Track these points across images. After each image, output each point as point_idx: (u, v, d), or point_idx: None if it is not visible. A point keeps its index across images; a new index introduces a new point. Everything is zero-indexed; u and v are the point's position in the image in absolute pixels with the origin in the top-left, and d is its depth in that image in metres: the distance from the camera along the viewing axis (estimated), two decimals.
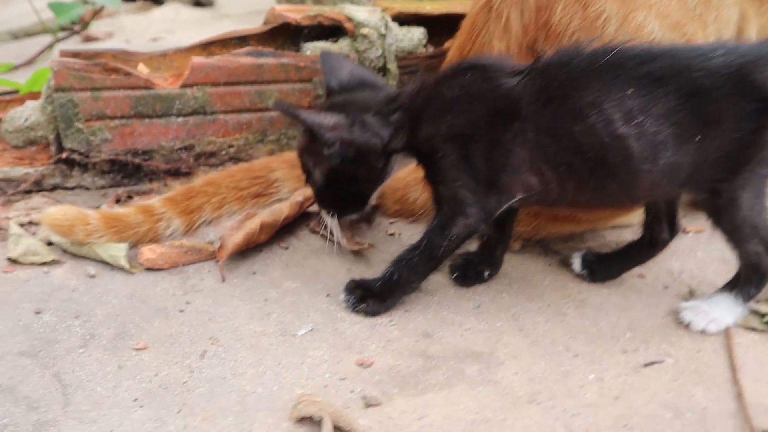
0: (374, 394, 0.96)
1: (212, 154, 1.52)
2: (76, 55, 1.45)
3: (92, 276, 1.20)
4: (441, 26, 1.66)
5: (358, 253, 1.29)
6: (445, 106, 1.06)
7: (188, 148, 1.50)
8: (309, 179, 1.18)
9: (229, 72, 1.44)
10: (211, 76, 1.43)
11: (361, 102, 1.12)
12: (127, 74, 1.38)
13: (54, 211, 1.23)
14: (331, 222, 1.18)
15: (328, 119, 1.07)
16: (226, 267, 1.22)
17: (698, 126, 0.97)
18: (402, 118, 1.09)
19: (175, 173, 1.50)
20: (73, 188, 1.46)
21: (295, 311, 1.12)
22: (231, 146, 1.53)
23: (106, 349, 1.02)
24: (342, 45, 1.54)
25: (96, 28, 2.72)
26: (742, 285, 1.10)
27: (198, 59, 1.42)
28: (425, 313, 1.14)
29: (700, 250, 1.33)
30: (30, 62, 2.28)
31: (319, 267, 1.25)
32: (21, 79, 2.16)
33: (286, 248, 1.30)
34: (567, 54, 1.02)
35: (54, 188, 1.45)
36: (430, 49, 1.65)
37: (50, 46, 2.31)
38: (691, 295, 1.21)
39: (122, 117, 1.42)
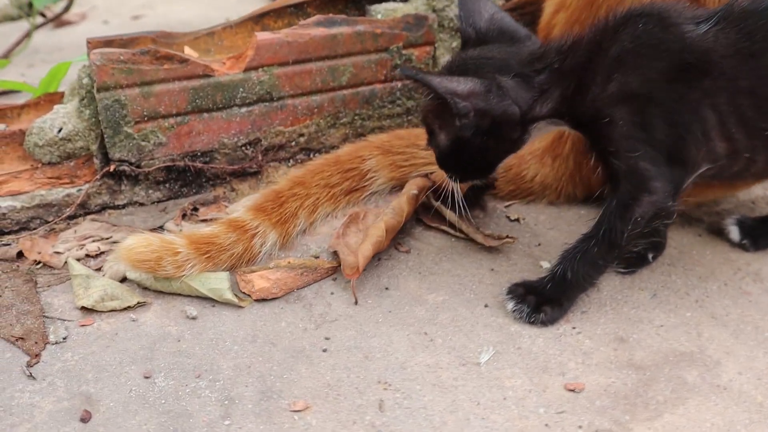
0: (607, 426, 0.77)
1: (281, 147, 1.26)
2: (108, 43, 1.14)
3: (194, 318, 0.95)
4: None
5: (493, 249, 1.08)
6: (613, 63, 0.85)
7: (254, 143, 1.23)
8: (431, 141, 0.96)
9: (300, 48, 1.17)
10: (279, 54, 1.16)
11: (500, 60, 0.90)
12: (183, 61, 1.10)
13: (132, 243, 0.96)
14: (454, 186, 0.97)
15: (462, 85, 0.86)
16: (348, 286, 1.00)
17: None
18: (549, 80, 0.88)
19: (242, 174, 1.24)
20: (124, 206, 1.18)
21: (461, 331, 0.92)
22: (301, 135, 1.27)
23: (257, 416, 0.79)
24: (416, 4, 1.29)
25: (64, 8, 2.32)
26: None
27: (264, 35, 1.14)
28: (603, 312, 0.95)
29: None
30: (6, 55, 1.90)
31: (458, 271, 1.04)
32: (8, 77, 1.81)
33: (408, 252, 1.08)
34: None
35: (103, 209, 1.16)
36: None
37: (28, 35, 1.93)
38: None
39: (178, 114, 1.14)
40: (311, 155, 1.30)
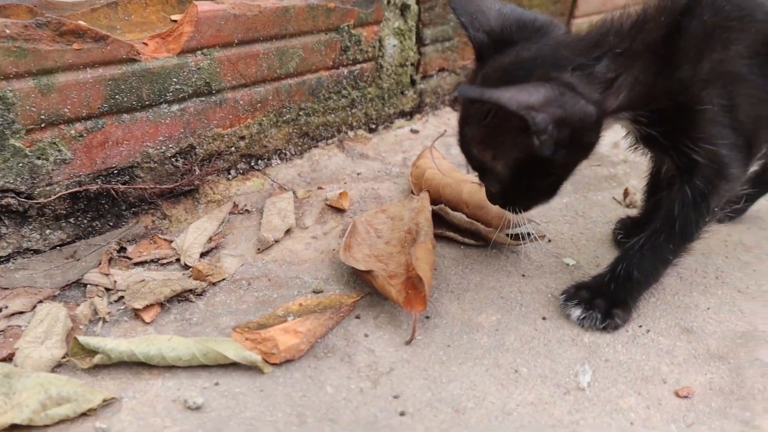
0: (738, 429, 0.71)
1: (219, 155, 0.98)
2: None
3: (198, 407, 0.67)
4: None
5: (509, 252, 0.96)
6: (699, 40, 0.77)
7: (187, 152, 0.93)
8: (485, 177, 0.81)
9: (248, 23, 0.91)
10: (223, 31, 0.89)
11: (548, 57, 0.76)
12: (101, 39, 0.76)
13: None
14: (518, 219, 0.84)
15: (535, 95, 0.69)
16: (378, 322, 0.80)
17: None
18: (615, 67, 0.77)
19: (174, 195, 0.93)
20: (8, 257, 0.80)
21: (539, 354, 0.78)
22: (242, 138, 1.00)
23: None
24: None
25: None
26: None
27: (205, 5, 0.86)
28: (652, 303, 0.90)
29: None
30: None
31: (491, 283, 0.90)
32: None
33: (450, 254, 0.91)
34: None
35: None
36: None
37: None
38: None
39: (89, 117, 0.80)
40: (254, 163, 1.05)
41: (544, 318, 0.85)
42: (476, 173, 0.83)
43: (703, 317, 0.89)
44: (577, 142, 0.75)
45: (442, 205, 0.98)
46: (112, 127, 0.83)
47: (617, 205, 1.14)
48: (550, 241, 1.02)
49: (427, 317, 0.83)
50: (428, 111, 1.36)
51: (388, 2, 1.14)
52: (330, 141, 1.16)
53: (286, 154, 1.09)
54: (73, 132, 0.80)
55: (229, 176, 1.01)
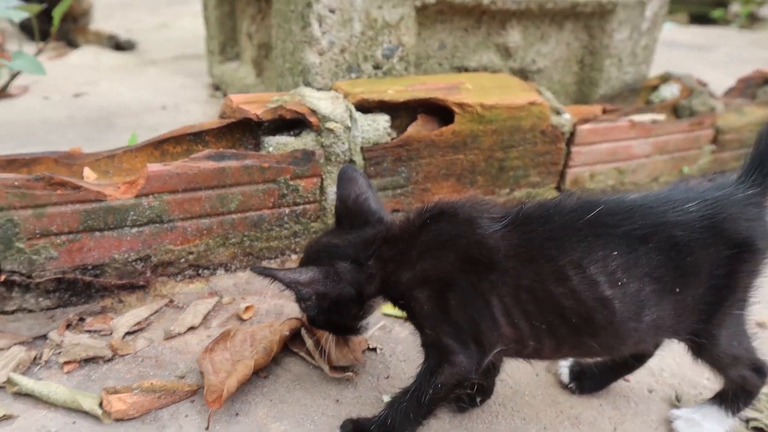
0: None
1: (170, 263, 1.42)
2: (11, 162, 1.31)
3: None
4: (402, 111, 1.64)
5: (343, 380, 1.24)
6: (417, 252, 1.02)
7: (144, 259, 1.39)
8: (301, 307, 1.13)
9: (189, 179, 1.35)
10: (168, 183, 1.34)
11: (342, 247, 1.09)
12: (76, 188, 1.27)
13: None
14: (329, 339, 1.16)
15: (303, 276, 1.05)
16: (203, 409, 1.15)
17: (678, 278, 0.97)
18: (375, 265, 1.06)
19: (131, 287, 1.39)
20: (14, 311, 1.33)
21: None
22: (191, 253, 1.44)
23: None
24: (306, 140, 1.49)
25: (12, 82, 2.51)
26: (731, 400, 1.14)
27: (154, 167, 1.32)
28: None
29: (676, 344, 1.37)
30: None
31: (306, 400, 1.19)
32: None
33: (267, 377, 1.24)
34: (548, 207, 0.99)
35: None
36: (394, 135, 1.61)
37: None
38: (678, 400, 1.25)
39: (69, 233, 1.30)
40: (200, 271, 1.47)
41: None
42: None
43: None
44: (339, 308, 1.05)
45: (303, 331, 1.29)
46: (86, 239, 1.32)
47: None
48: (387, 377, 1.26)
49: (237, 414, 1.15)
50: None
51: (329, 160, 1.50)
52: (273, 260, 1.53)
53: (230, 267, 1.50)
54: (58, 241, 1.30)
55: (177, 279, 1.44)
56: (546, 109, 1.74)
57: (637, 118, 1.97)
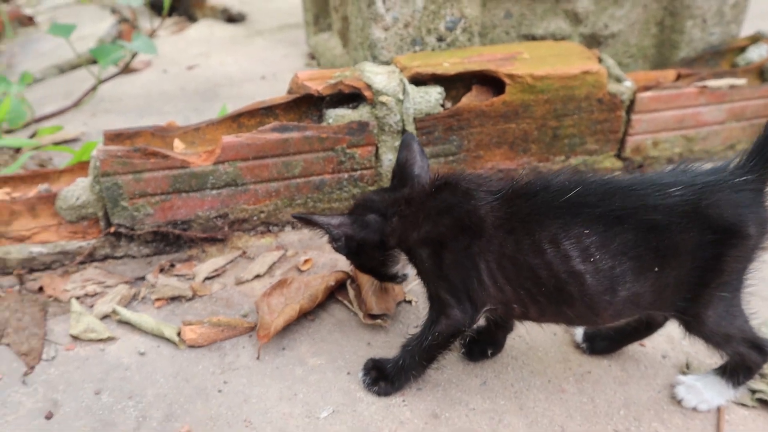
0: None
1: (245, 221, 1.69)
2: (118, 136, 1.62)
3: (143, 354, 1.40)
4: (458, 83, 1.76)
5: (374, 326, 1.44)
6: (423, 216, 1.18)
7: (223, 216, 1.67)
8: (333, 246, 1.34)
9: (257, 148, 1.59)
10: (240, 153, 1.59)
11: (377, 203, 1.29)
12: (165, 157, 1.55)
13: None
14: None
15: (334, 220, 1.27)
16: (258, 343, 1.40)
17: (657, 258, 1.04)
18: (396, 221, 1.23)
19: (212, 240, 1.68)
20: (121, 257, 1.66)
21: (319, 391, 1.29)
22: (262, 212, 1.69)
23: None
24: (362, 112, 1.67)
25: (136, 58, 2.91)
26: (731, 373, 1.21)
27: (228, 138, 1.58)
28: (435, 391, 1.29)
29: None
30: (77, 104, 2.48)
31: (342, 341, 1.41)
32: (71, 126, 2.39)
33: (313, 320, 1.47)
34: (536, 184, 1.10)
35: (105, 258, 1.65)
36: (448, 105, 1.75)
37: (94, 88, 2.50)
38: (688, 368, 1.32)
39: (162, 194, 1.60)
40: (270, 228, 1.73)
41: (348, 373, 1.33)
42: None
43: (459, 413, 1.25)
44: (366, 252, 1.27)
45: (349, 282, 1.51)
46: (175, 199, 1.61)
47: None
48: (416, 327, 1.44)
49: (284, 348, 1.40)
50: None
51: (383, 130, 1.67)
52: None
53: (296, 225, 1.74)
54: (153, 200, 1.60)
55: (250, 234, 1.71)
56: (602, 77, 1.78)
57: (713, 83, 1.93)
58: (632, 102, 1.85)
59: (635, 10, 2.12)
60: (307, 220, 1.26)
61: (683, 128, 1.93)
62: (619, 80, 1.84)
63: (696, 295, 1.08)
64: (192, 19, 3.48)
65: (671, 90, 1.87)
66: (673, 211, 1.02)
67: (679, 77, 1.98)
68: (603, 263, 1.04)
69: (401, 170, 1.33)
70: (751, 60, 2.07)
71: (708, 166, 1.09)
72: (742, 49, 2.13)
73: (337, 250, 1.30)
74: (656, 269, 1.05)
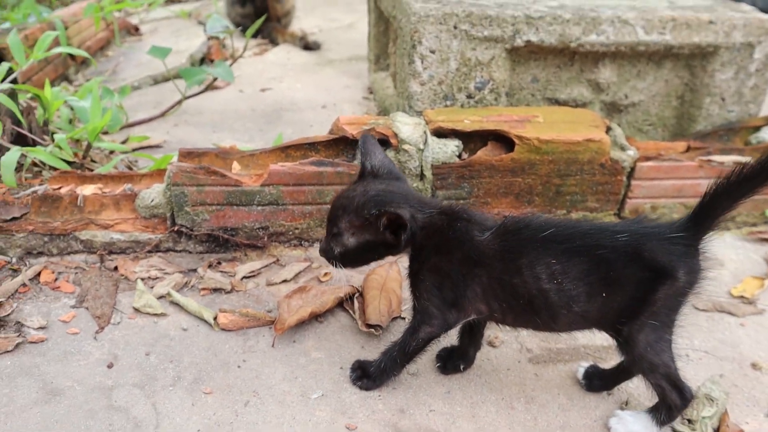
0: None
1: (281, 234, 2.10)
2: (190, 153, 2.07)
3: (185, 329, 1.82)
4: (476, 137, 2.12)
5: (369, 334, 1.81)
6: (436, 246, 1.50)
7: (264, 228, 2.09)
8: (333, 240, 1.56)
9: (297, 177, 2.00)
10: (283, 179, 2.01)
11: (402, 196, 1.52)
12: (223, 176, 1.99)
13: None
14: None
15: (407, 213, 1.46)
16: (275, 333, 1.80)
17: (604, 286, 1.38)
18: (423, 228, 1.50)
19: (253, 247, 2.10)
20: (180, 251, 2.11)
21: (315, 378, 1.67)
22: (297, 228, 2.10)
23: (186, 390, 1.63)
24: (388, 154, 2.05)
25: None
26: (656, 411, 1.50)
27: (274, 166, 2.00)
28: (406, 392, 1.64)
29: None
30: (163, 114, 2.99)
31: (342, 342, 1.79)
32: (156, 134, 2.89)
33: (321, 322, 1.86)
34: (521, 223, 1.44)
35: (167, 250, 2.10)
36: (465, 156, 2.10)
37: (179, 102, 3.00)
38: (626, 404, 1.62)
39: (217, 204, 2.03)
40: (302, 242, 2.13)
41: (341, 368, 1.70)
42: (329, 236, 1.70)
43: (421, 411, 1.59)
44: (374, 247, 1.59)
45: (357, 296, 1.88)
46: (227, 210, 2.04)
47: None
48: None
49: (294, 341, 1.79)
50: None
51: (404, 173, 2.04)
52: None
53: None
54: (210, 209, 2.04)
55: (285, 245, 2.11)
56: (605, 145, 2.08)
57: (718, 158, 2.19)
58: (633, 169, 2.14)
59: (657, 84, 2.40)
60: (393, 213, 1.44)
61: (682, 197, 2.20)
62: (623, 149, 2.14)
63: (632, 319, 1.39)
64: (274, 42, 3.95)
65: (671, 162, 2.15)
66: (619, 251, 1.35)
67: (688, 149, 2.26)
68: (564, 285, 1.38)
69: (379, 164, 1.58)
70: (764, 139, 2.31)
71: (658, 222, 1.42)
72: (757, 129, 2.37)
73: (393, 240, 1.48)
74: (603, 294, 1.38)
